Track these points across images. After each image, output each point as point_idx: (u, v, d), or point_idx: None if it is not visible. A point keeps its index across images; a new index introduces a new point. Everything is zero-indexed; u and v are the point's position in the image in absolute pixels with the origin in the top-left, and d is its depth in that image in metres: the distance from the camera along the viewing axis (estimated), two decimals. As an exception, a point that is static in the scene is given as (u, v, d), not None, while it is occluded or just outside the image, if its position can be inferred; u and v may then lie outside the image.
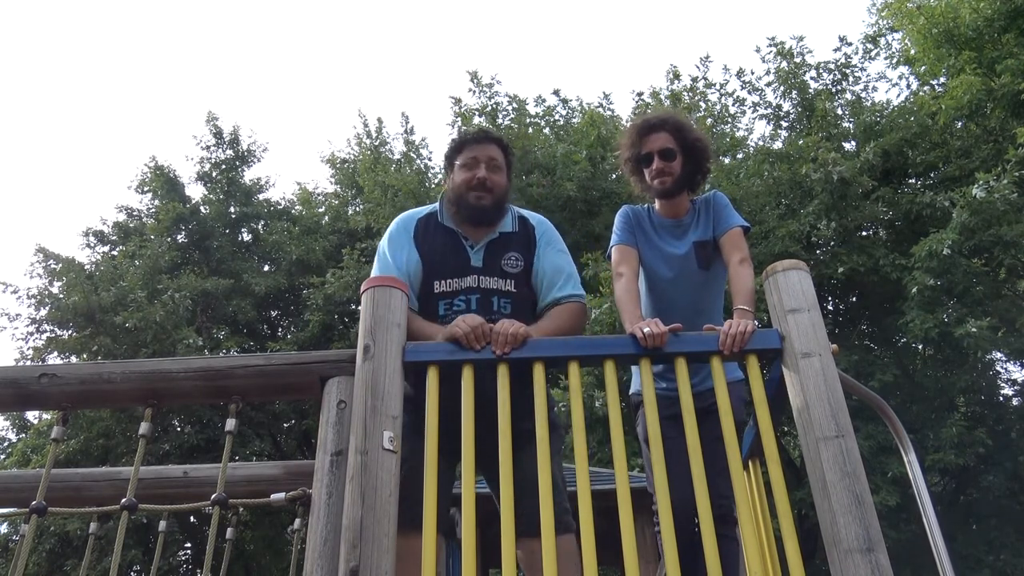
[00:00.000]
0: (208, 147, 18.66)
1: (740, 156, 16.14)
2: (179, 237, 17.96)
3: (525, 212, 2.75)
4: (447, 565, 4.78)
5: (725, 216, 2.84)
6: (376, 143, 19.55)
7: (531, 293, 2.59)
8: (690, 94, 16.24)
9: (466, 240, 2.57)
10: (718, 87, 16.41)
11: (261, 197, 19.35)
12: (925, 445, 11.26)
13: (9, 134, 43.72)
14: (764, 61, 15.45)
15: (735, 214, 2.86)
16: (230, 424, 2.11)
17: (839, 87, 15.35)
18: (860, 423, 10.31)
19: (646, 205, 3.02)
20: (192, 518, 15.26)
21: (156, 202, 18.55)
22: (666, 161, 2.85)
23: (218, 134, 18.65)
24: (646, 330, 2.17)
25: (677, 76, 16.59)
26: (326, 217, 19.86)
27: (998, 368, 14.85)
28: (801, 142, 14.10)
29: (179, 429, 15.21)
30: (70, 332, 15.45)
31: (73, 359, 14.87)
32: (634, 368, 2.85)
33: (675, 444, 2.28)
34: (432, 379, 2.10)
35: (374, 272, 2.57)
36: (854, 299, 15.18)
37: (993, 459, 12.10)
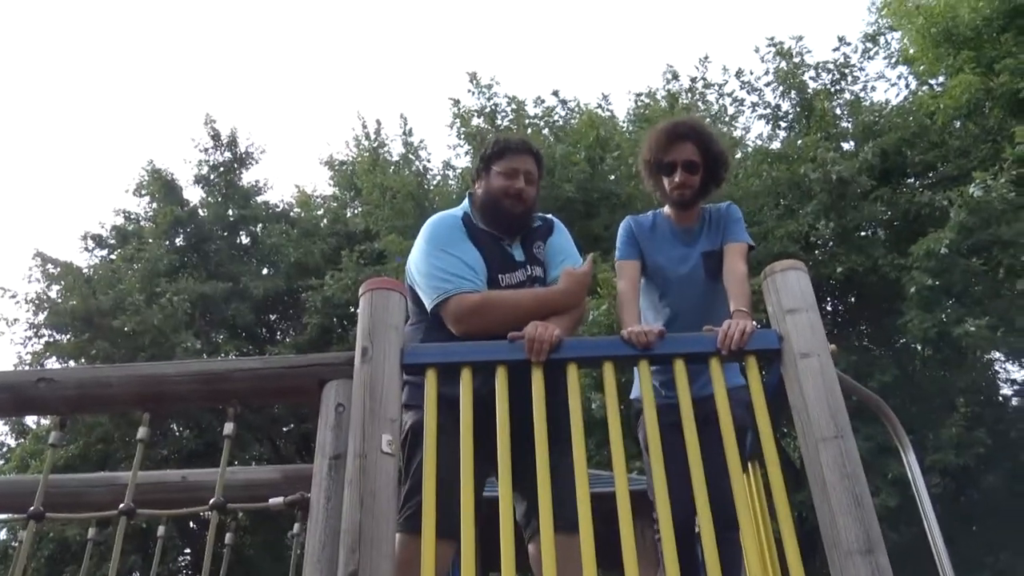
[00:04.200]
0: (206, 150, 18.67)
1: (739, 156, 16.15)
2: (177, 240, 17.95)
3: (546, 215, 2.89)
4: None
5: (735, 230, 2.85)
6: (375, 145, 19.54)
7: None
8: (688, 94, 16.25)
9: (502, 240, 2.67)
10: (717, 87, 16.44)
11: (259, 200, 19.33)
12: (925, 446, 11.25)
13: (7, 139, 43.72)
14: (763, 61, 15.50)
15: (744, 231, 2.87)
16: (228, 428, 2.10)
17: (838, 87, 15.37)
18: (859, 424, 10.28)
19: (652, 212, 3.02)
20: (191, 523, 15.22)
21: (154, 205, 18.54)
22: (689, 174, 2.84)
23: (216, 137, 18.64)
24: (634, 329, 2.18)
25: (676, 76, 16.61)
26: (324, 219, 19.86)
27: (997, 368, 14.87)
28: (800, 142, 14.12)
29: (177, 434, 15.21)
30: (68, 336, 15.46)
31: (71, 363, 14.87)
32: (636, 372, 2.85)
33: (679, 452, 2.27)
34: (431, 381, 2.10)
35: (444, 267, 2.48)
36: (853, 299, 15.18)
37: (993, 459, 12.10)
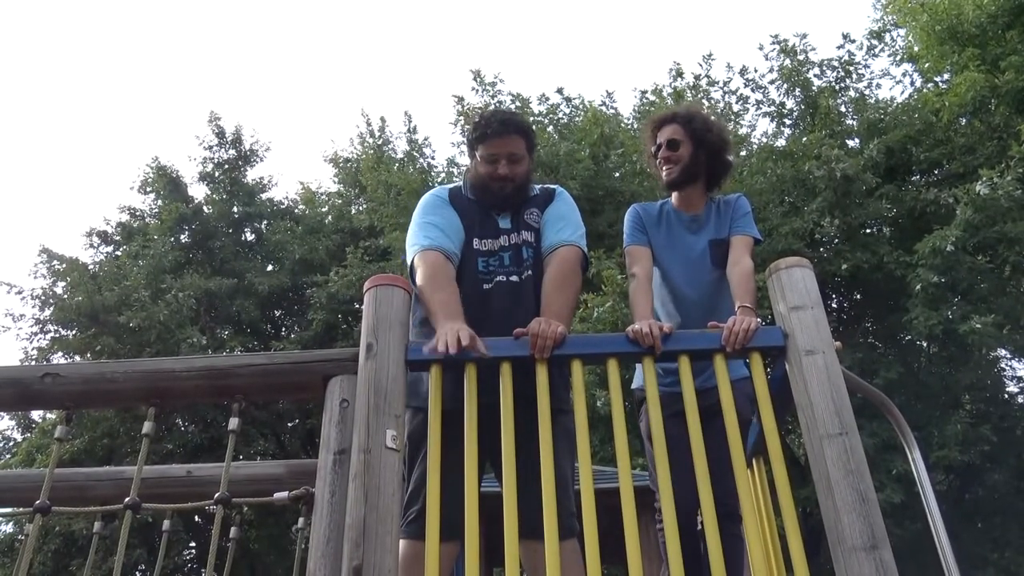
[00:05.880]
0: (211, 147, 18.71)
1: (743, 154, 16.12)
2: (182, 237, 18.00)
3: (550, 185, 2.86)
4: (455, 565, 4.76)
5: (743, 223, 2.85)
6: (379, 142, 19.53)
7: None
8: (693, 92, 16.21)
9: (492, 209, 2.68)
10: (721, 84, 16.39)
11: (264, 197, 19.37)
12: (930, 442, 11.23)
13: (12, 134, 43.82)
14: (767, 59, 15.43)
15: (752, 225, 2.87)
16: (233, 423, 2.10)
17: (842, 84, 15.32)
18: (864, 420, 10.29)
19: (660, 201, 3.03)
20: (196, 517, 15.29)
21: (159, 202, 18.59)
22: (671, 151, 2.87)
23: (220, 134, 18.68)
24: (641, 329, 2.18)
25: (680, 74, 16.57)
26: (329, 216, 19.88)
27: (1003, 365, 14.83)
28: (804, 139, 14.09)
29: (183, 429, 15.25)
30: (74, 332, 15.51)
31: (77, 359, 14.91)
32: (637, 364, 2.85)
33: (680, 442, 2.28)
34: (435, 378, 2.10)
35: (420, 238, 2.58)
36: (858, 296, 15.16)
37: (998, 456, 12.08)
